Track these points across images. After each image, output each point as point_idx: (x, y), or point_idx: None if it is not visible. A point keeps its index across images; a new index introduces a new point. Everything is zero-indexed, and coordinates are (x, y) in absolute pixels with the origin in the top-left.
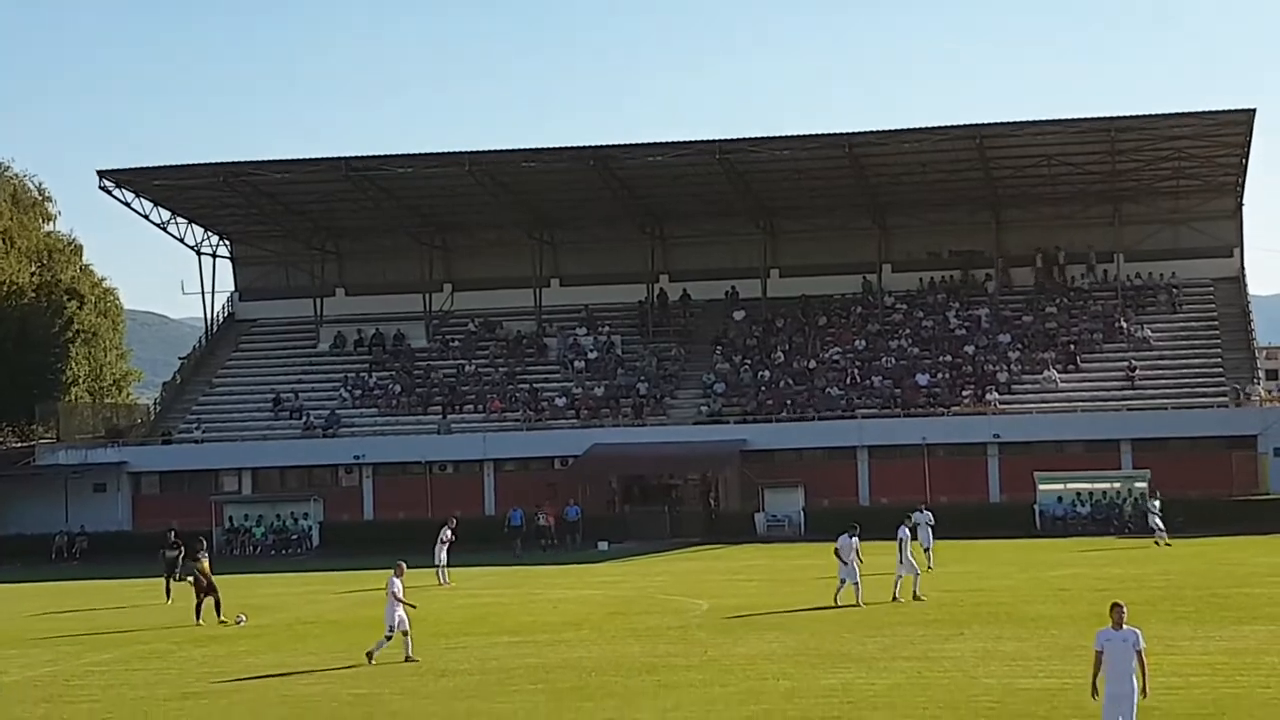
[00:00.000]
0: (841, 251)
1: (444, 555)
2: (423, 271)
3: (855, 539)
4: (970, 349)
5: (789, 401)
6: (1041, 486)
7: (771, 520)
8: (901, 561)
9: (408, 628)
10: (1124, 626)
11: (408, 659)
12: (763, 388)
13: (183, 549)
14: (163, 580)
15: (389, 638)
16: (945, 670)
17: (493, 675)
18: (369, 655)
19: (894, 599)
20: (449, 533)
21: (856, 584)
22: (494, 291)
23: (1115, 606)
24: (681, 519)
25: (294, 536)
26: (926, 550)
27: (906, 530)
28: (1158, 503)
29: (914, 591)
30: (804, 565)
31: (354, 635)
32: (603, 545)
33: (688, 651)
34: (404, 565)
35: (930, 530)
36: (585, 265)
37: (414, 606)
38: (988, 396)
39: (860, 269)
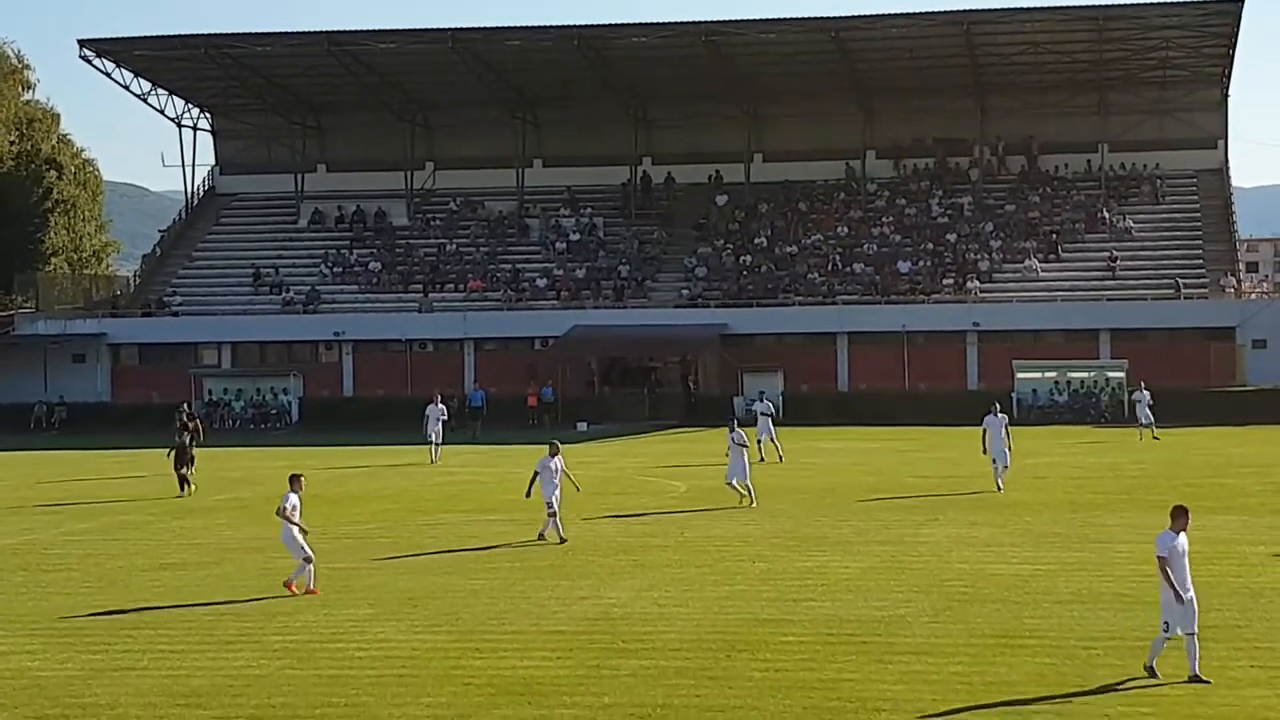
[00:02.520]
0: (825, 137)
1: (438, 431)
2: (405, 149)
3: (1005, 418)
4: (952, 237)
5: (770, 286)
6: (1020, 375)
7: (748, 405)
8: (986, 451)
9: (557, 509)
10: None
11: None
12: (744, 272)
13: (198, 431)
14: (170, 461)
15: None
16: (919, 555)
17: (470, 552)
18: (542, 537)
19: (998, 489)
20: (442, 408)
21: (1005, 467)
22: (476, 171)
23: (1181, 510)
24: (660, 401)
25: (273, 411)
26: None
27: (995, 419)
28: (1148, 394)
29: (998, 481)
30: (785, 450)
31: (333, 510)
32: (581, 426)
33: (664, 532)
34: (557, 444)
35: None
36: (568, 146)
37: (576, 488)
38: (968, 285)
39: (844, 155)
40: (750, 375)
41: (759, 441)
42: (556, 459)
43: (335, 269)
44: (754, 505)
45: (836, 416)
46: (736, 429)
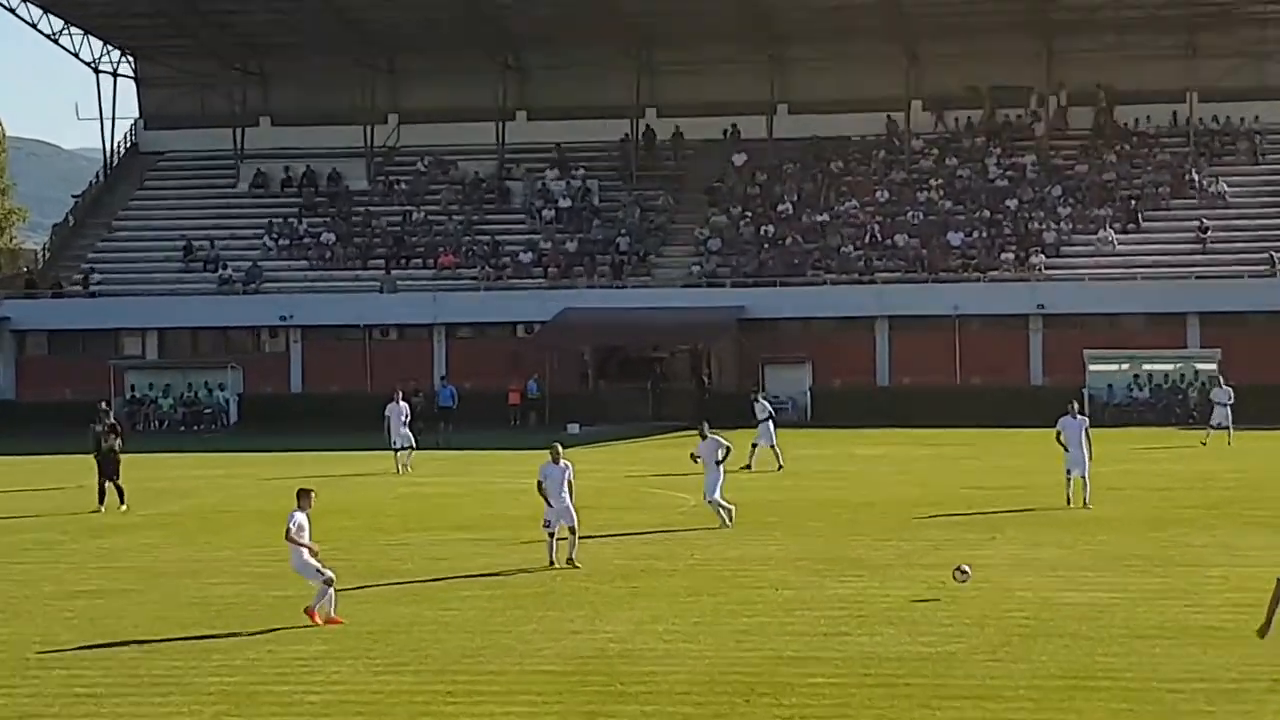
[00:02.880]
0: (862, 85)
1: (402, 436)
2: (364, 99)
3: (1085, 419)
4: (1012, 203)
5: (796, 262)
6: (1092, 367)
7: (773, 403)
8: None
9: (556, 527)
10: None
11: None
12: (765, 245)
13: (118, 435)
14: (92, 463)
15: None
16: (973, 580)
17: (442, 577)
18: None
19: (1069, 503)
20: (405, 407)
21: (1085, 477)
22: (448, 125)
23: None
24: (667, 399)
25: (208, 410)
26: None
27: (1074, 422)
28: (1229, 390)
29: (1084, 496)
30: (810, 456)
31: (279, 528)
32: (573, 428)
33: (671, 554)
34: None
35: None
36: (558, 95)
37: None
38: (1032, 260)
39: (884, 106)
40: (773, 368)
41: (754, 446)
42: (561, 465)
43: (281, 241)
44: (730, 526)
45: (875, 417)
46: (710, 433)
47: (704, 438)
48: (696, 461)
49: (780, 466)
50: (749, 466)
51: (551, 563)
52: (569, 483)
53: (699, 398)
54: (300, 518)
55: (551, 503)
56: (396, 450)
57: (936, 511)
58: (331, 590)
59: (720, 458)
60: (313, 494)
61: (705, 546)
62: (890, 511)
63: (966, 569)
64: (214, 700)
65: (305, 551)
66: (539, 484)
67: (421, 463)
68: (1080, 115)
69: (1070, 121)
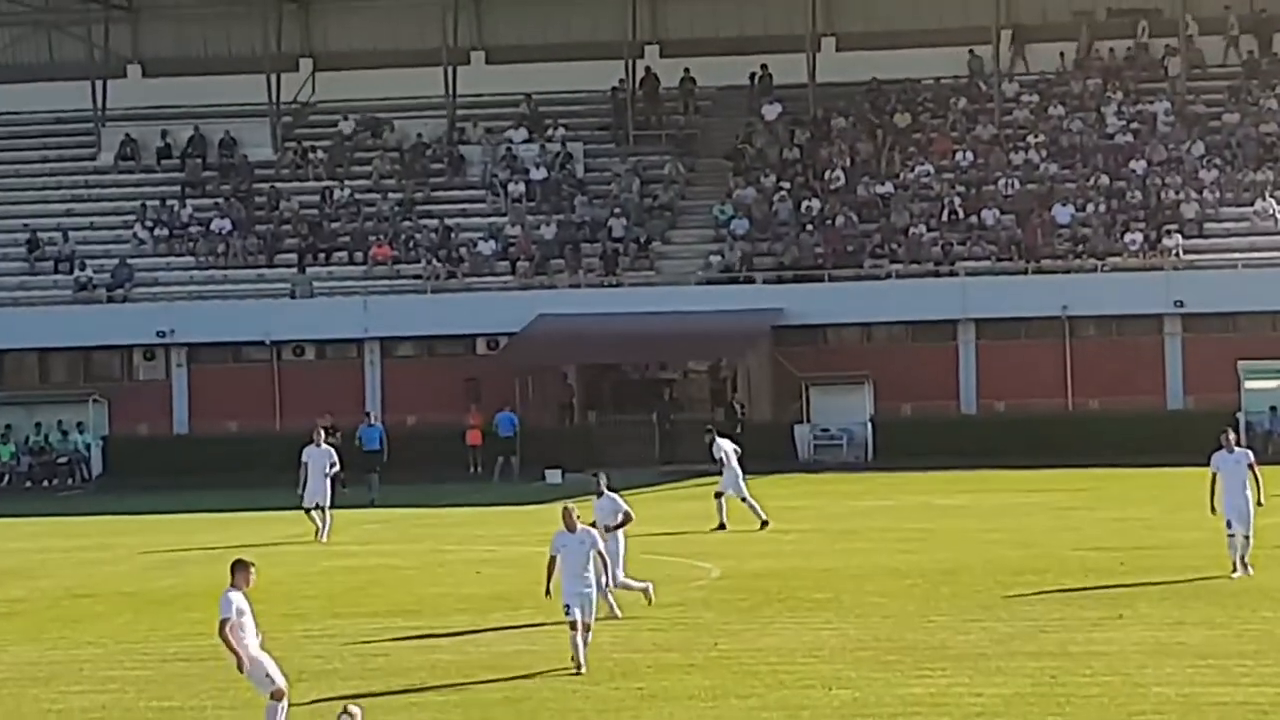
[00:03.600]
0: (936, 10)
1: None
2: (266, 39)
3: (1248, 453)
4: (1139, 166)
5: (851, 249)
6: (1249, 384)
7: (821, 436)
8: (1216, 510)
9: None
10: None
11: None
12: (809, 227)
13: None
14: None
15: None
16: (1094, 672)
17: (379, 679)
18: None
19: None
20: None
21: (1248, 537)
22: (380, 72)
23: None
24: (679, 435)
25: (62, 460)
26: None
27: (1229, 458)
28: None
29: (1244, 556)
30: (872, 508)
31: (160, 616)
32: (553, 476)
33: (688, 643)
34: None
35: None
36: (527, 30)
37: None
38: (1166, 242)
39: (965, 38)
40: (821, 391)
41: (718, 497)
42: (580, 534)
43: (159, 232)
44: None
45: (959, 454)
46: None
47: (599, 494)
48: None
49: (765, 522)
50: (722, 525)
51: (579, 667)
52: (601, 557)
53: (731, 432)
54: (237, 599)
55: (563, 585)
56: (309, 510)
57: (1042, 581)
58: (284, 706)
59: (618, 522)
60: (253, 569)
61: (732, 633)
62: (980, 582)
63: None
64: None
65: (250, 647)
66: (551, 561)
67: (349, 525)
68: (1229, 46)
69: (1214, 55)
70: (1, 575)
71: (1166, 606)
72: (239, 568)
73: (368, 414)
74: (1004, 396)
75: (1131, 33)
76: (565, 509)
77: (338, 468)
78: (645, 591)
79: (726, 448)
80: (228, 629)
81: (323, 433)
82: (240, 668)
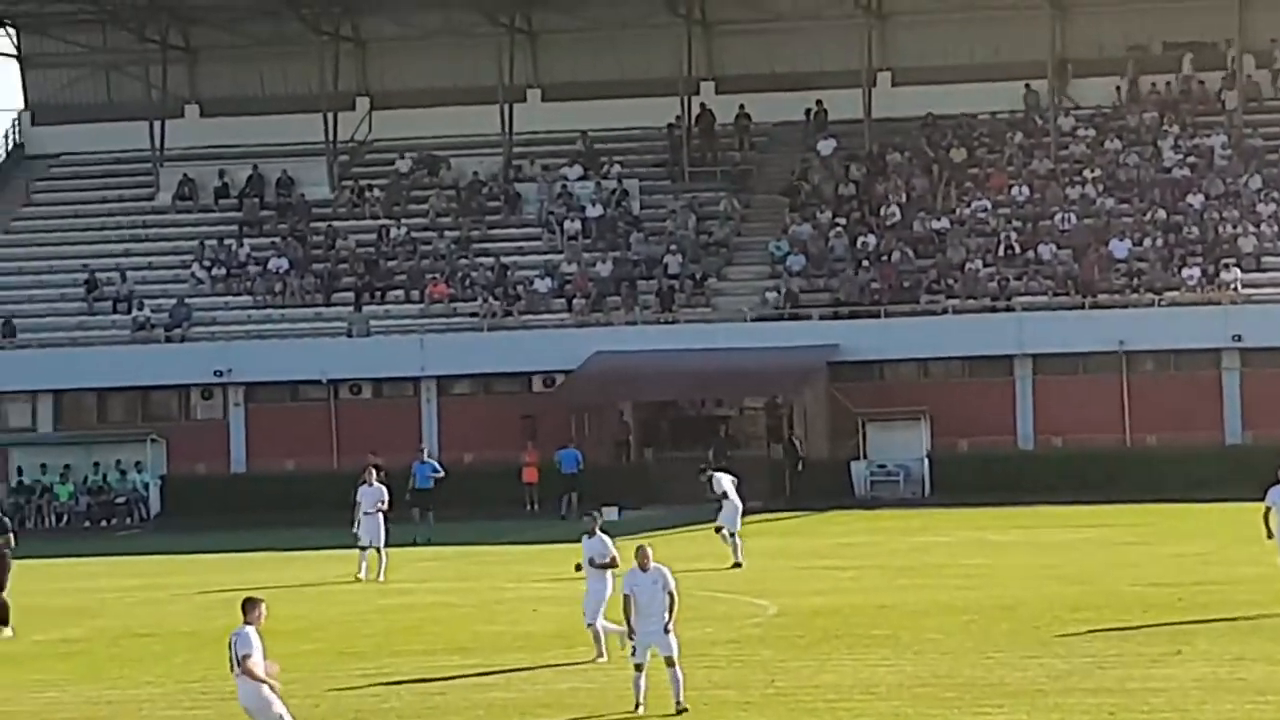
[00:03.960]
0: (992, 45)
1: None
2: (323, 78)
3: None
4: (1197, 200)
5: (907, 284)
6: None
7: (878, 473)
8: (1272, 537)
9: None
10: None
11: None
12: (865, 263)
13: (4, 534)
14: None
15: None
16: (1152, 709)
17: (436, 717)
18: None
19: None
20: (381, 490)
21: None
22: (436, 110)
23: None
24: (735, 472)
25: (120, 500)
26: None
27: None
28: None
29: None
30: (929, 544)
31: (218, 654)
32: (611, 513)
33: (744, 680)
34: None
35: None
36: (582, 67)
37: None
38: (1225, 276)
39: (1022, 72)
40: (877, 427)
41: (732, 536)
42: (653, 572)
43: (216, 271)
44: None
45: (1016, 489)
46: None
47: (590, 534)
48: (580, 571)
49: (737, 564)
50: (739, 564)
51: (638, 705)
52: (670, 597)
53: (790, 468)
54: (250, 636)
55: (636, 626)
56: (363, 548)
57: (1100, 618)
58: None
59: (604, 562)
60: (263, 605)
61: (789, 670)
62: (1038, 618)
63: None
64: None
65: (264, 686)
66: (626, 600)
67: (403, 564)
68: (1274, 79)
69: (1271, 89)
70: (61, 615)
71: (1225, 642)
72: (251, 605)
73: (421, 450)
74: (1061, 432)
75: (1190, 65)
76: (640, 548)
77: (387, 505)
78: (621, 638)
79: (725, 483)
80: (251, 663)
81: (374, 471)
82: (274, 689)
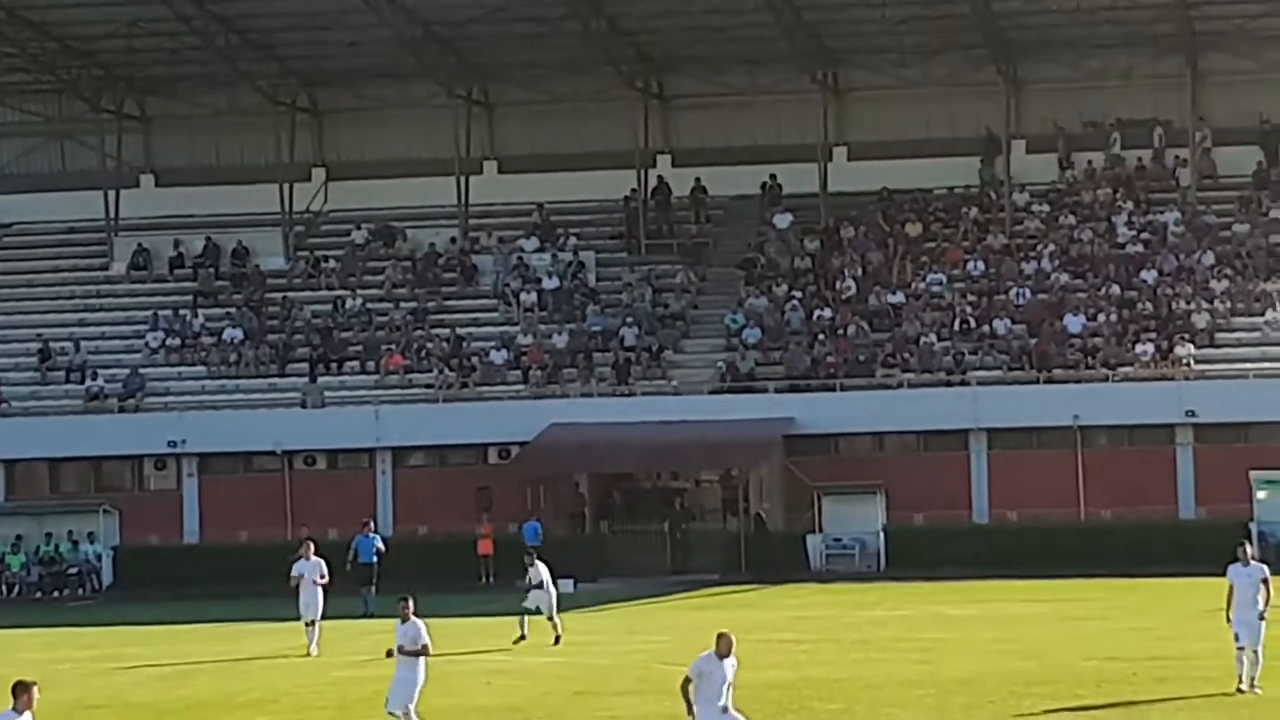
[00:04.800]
0: (948, 119)
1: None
2: (279, 149)
3: (1263, 568)
4: (1150, 276)
5: (862, 358)
6: (1261, 494)
7: (834, 546)
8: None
9: None
10: None
11: None
12: (821, 336)
13: None
14: None
15: None
16: None
17: None
18: None
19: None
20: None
21: (1257, 651)
22: (392, 181)
23: None
24: (691, 544)
25: (72, 570)
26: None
27: (1244, 571)
28: None
29: (1253, 674)
30: (884, 618)
31: None
32: (566, 585)
33: None
34: None
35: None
36: (539, 140)
37: None
38: (1178, 351)
39: (976, 147)
40: (833, 500)
41: (545, 614)
42: (729, 661)
43: (170, 341)
44: None
45: (970, 563)
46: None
47: (404, 619)
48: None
49: (557, 639)
50: (523, 636)
51: None
52: (730, 687)
53: (733, 541)
54: None
55: (702, 716)
56: (309, 623)
57: (1055, 693)
58: None
59: (416, 649)
60: (35, 689)
61: None
62: (994, 693)
63: None
64: None
65: None
66: (685, 684)
67: (357, 637)
68: (1238, 157)
69: (1224, 166)
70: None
71: (1180, 718)
72: (21, 689)
73: (365, 523)
74: (1016, 506)
75: (1141, 143)
76: (723, 634)
77: (327, 579)
78: None
79: (544, 572)
80: None
81: (311, 545)
82: None
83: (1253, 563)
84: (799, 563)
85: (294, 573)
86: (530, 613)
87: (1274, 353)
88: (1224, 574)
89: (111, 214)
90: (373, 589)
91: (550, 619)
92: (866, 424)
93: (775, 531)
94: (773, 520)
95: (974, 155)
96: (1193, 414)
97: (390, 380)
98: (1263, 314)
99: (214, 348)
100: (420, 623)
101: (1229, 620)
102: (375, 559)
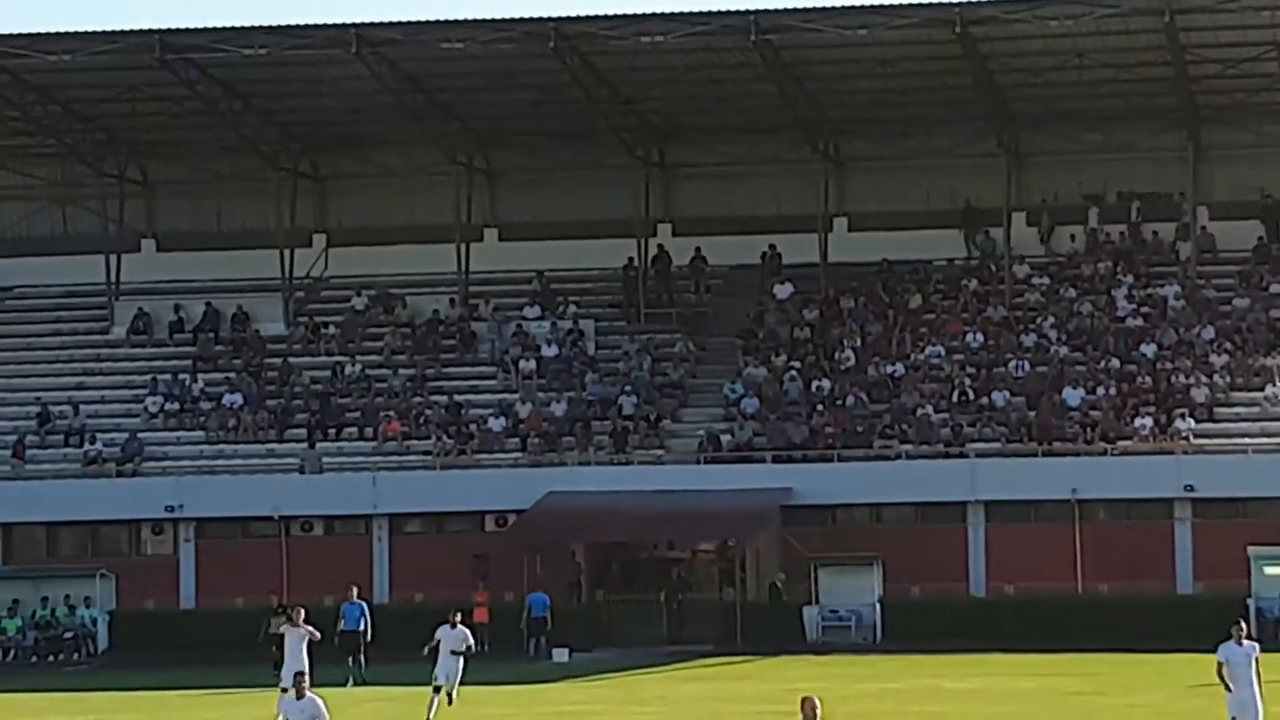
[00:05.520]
0: (947, 191)
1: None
2: (280, 214)
3: (1253, 645)
4: (1150, 350)
5: (860, 429)
6: (1263, 570)
7: (830, 618)
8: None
9: None
10: None
11: None
12: (819, 407)
13: None
14: None
15: None
16: None
17: None
18: None
19: None
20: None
21: None
22: (393, 248)
23: None
24: (688, 614)
25: (69, 635)
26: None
27: (1239, 650)
28: None
29: None
30: (880, 691)
31: None
32: (560, 654)
33: None
34: None
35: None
36: (539, 208)
37: None
38: (1177, 425)
39: (977, 219)
40: (830, 571)
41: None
42: None
43: (170, 406)
44: None
45: (968, 637)
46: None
47: (300, 695)
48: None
49: (450, 702)
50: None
51: None
52: None
53: (730, 612)
54: None
55: None
56: (284, 689)
57: None
58: None
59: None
60: None
61: None
62: None
63: None
64: None
65: None
66: None
67: (355, 704)
68: (1238, 231)
69: (1225, 240)
70: None
71: None
72: None
73: (351, 589)
74: (1013, 579)
75: (1143, 215)
76: (806, 700)
77: (318, 637)
78: None
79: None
80: None
81: (303, 611)
82: None
83: (1246, 642)
84: (795, 634)
85: (287, 640)
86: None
87: (1273, 428)
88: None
89: (112, 278)
90: (363, 659)
91: (449, 692)
92: (864, 495)
93: (757, 602)
94: (762, 593)
95: (975, 227)
96: (1191, 489)
97: (388, 447)
98: (1262, 389)
99: (213, 413)
100: (318, 699)
101: (1228, 689)
102: (361, 626)
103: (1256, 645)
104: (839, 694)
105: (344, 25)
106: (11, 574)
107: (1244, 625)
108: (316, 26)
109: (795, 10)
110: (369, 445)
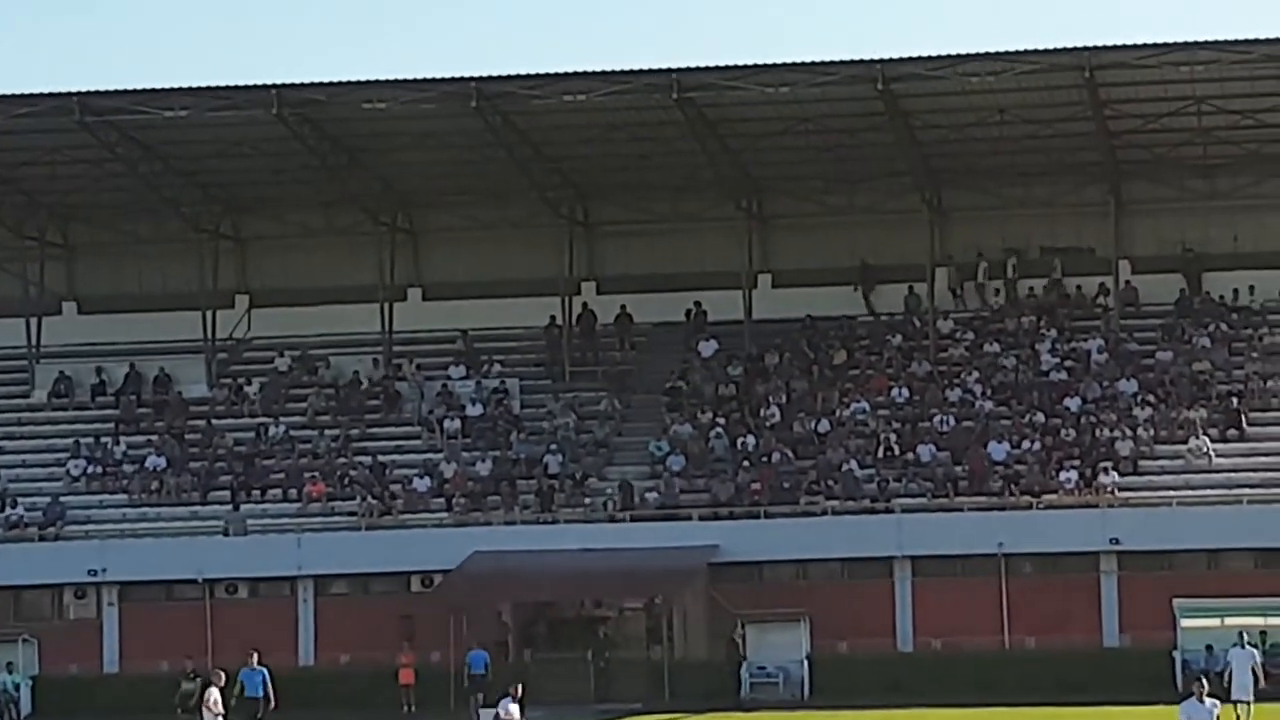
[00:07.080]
0: (872, 246)
1: None
2: (202, 276)
3: (1213, 704)
4: (1074, 403)
5: (786, 485)
6: (1185, 622)
7: (758, 674)
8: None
9: None
10: None
11: None
12: (745, 463)
13: None
14: None
15: None
16: None
17: None
18: None
19: None
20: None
21: None
22: (316, 309)
23: None
24: (615, 673)
25: None
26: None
27: (1200, 709)
28: (1256, 651)
29: None
30: None
31: None
32: (487, 716)
33: None
34: None
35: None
36: (462, 267)
37: None
38: (1102, 479)
39: (900, 275)
40: (757, 628)
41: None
42: None
43: (92, 469)
44: None
45: (894, 692)
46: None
47: (1203, 700)
48: None
49: None
50: None
51: None
52: None
53: (657, 670)
54: None
55: None
56: None
57: None
58: None
59: None
60: None
61: None
62: None
63: None
64: None
65: None
66: None
67: None
68: (1160, 285)
69: (1148, 294)
70: None
71: None
72: None
73: (252, 654)
74: (940, 634)
75: (1067, 269)
76: None
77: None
78: None
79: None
80: None
81: (223, 675)
82: None
83: (1207, 700)
84: (724, 691)
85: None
86: None
87: (1197, 480)
88: (1154, 704)
89: (33, 341)
90: None
91: None
92: (790, 552)
93: (684, 660)
94: (695, 648)
95: (899, 282)
96: (1116, 541)
97: (313, 508)
98: (1185, 442)
99: (136, 475)
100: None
101: None
102: (262, 693)
103: (1217, 703)
104: None
105: (265, 86)
106: None
107: (1205, 683)
108: (237, 88)
109: (717, 69)
110: (293, 506)
